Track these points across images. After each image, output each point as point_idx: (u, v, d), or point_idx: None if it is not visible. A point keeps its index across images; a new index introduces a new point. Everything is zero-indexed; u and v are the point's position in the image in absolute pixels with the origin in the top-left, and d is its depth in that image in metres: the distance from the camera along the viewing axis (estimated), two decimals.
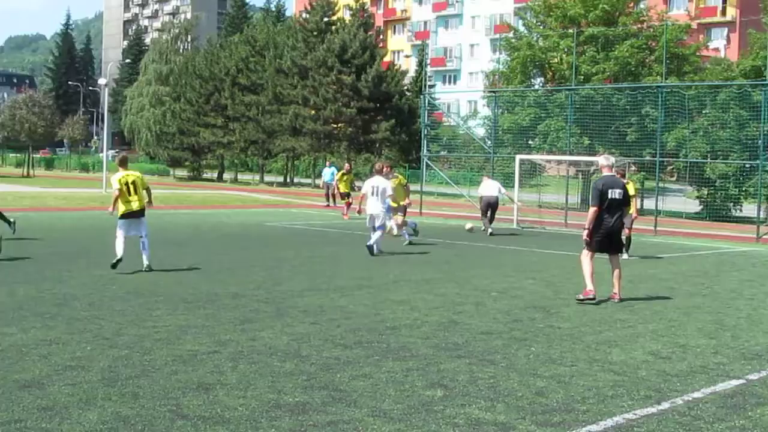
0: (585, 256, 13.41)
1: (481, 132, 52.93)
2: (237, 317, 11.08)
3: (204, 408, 6.98)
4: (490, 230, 25.79)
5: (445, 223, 31.43)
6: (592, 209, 13.22)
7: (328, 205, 39.08)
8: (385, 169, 20.48)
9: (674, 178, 49.00)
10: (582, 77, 45.67)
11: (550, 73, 52.49)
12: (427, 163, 41.24)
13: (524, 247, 22.50)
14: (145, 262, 15.27)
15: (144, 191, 15.66)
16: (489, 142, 43.46)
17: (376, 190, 19.05)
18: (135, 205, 15.39)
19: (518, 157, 34.01)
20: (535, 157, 38.20)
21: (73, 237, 22.02)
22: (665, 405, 7.57)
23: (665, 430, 6.83)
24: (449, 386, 7.93)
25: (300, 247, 21.11)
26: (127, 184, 15.19)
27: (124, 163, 15.95)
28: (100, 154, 76.34)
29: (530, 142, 45.54)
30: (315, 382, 7.92)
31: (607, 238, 13.33)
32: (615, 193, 13.21)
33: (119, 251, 15.07)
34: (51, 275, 14.57)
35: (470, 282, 15.30)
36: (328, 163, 45.15)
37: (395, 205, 21.32)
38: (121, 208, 15.28)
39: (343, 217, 31.80)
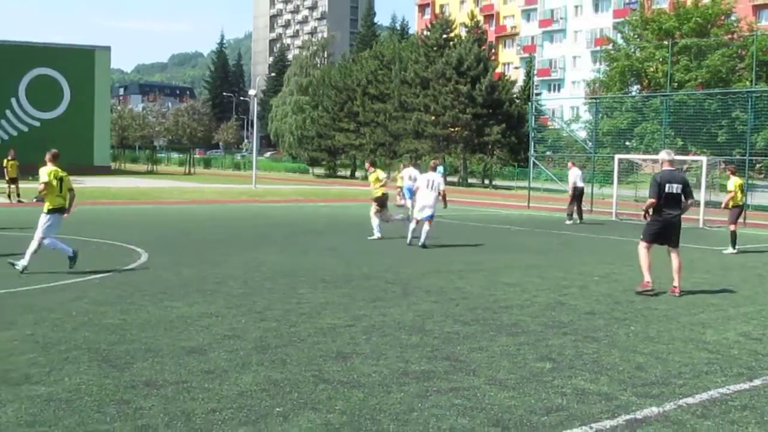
0: (642, 248, 12.28)
1: (582, 134, 51.98)
2: (369, 296, 11.17)
3: (342, 374, 7.06)
4: (578, 221, 25.52)
5: (550, 216, 30.98)
6: (649, 201, 12.19)
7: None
8: (434, 164, 20.12)
9: (763, 175, 47.24)
10: (676, 84, 44.49)
11: (646, 81, 51.31)
12: (534, 162, 40.73)
13: (623, 237, 21.97)
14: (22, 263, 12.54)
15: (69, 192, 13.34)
16: (590, 144, 42.68)
17: (431, 184, 18.41)
18: (64, 203, 13.18)
19: (617, 156, 33.34)
20: (633, 156, 37.32)
21: (227, 225, 22.53)
22: (757, 382, 7.30)
23: (757, 405, 6.59)
24: (557, 360, 7.83)
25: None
26: (59, 179, 13.08)
27: (55, 159, 13.47)
28: (250, 154, 77.98)
29: (627, 143, 44.57)
30: (438, 353, 7.92)
31: (664, 231, 12.10)
32: (673, 188, 11.95)
33: (28, 257, 12.59)
34: (210, 259, 14.93)
35: (574, 268, 15.05)
36: (434, 162, 44.80)
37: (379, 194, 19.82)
38: (54, 202, 12.98)
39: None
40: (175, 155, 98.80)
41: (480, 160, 65.90)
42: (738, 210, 20.05)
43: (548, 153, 49.32)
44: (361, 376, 6.99)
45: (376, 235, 19.19)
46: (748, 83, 40.90)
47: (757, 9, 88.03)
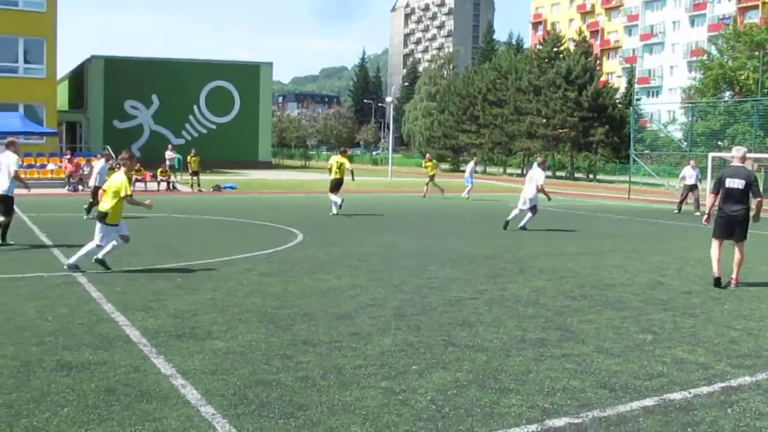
0: (712, 243, 10.83)
1: (678, 135, 49.91)
2: (489, 273, 11.07)
3: (468, 339, 7.03)
4: (697, 212, 24.36)
5: (649, 206, 29.89)
6: (710, 196, 11.07)
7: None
8: (540, 161, 19.17)
9: None
10: (766, 90, 42.09)
11: (738, 87, 48.78)
12: (634, 158, 39.46)
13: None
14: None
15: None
16: (685, 144, 40.97)
17: (532, 178, 18.00)
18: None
19: (710, 155, 31.84)
20: (725, 154, 35.54)
21: (367, 212, 22.74)
22: None
23: None
24: (657, 332, 7.56)
25: (534, 222, 20.76)
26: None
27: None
28: (385, 152, 78.44)
29: (719, 143, 42.44)
30: (551, 324, 7.78)
31: (727, 226, 10.55)
32: (734, 183, 10.41)
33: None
34: (354, 240, 15.14)
35: (671, 252, 14.48)
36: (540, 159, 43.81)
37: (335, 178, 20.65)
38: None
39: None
40: (324, 153, 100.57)
41: (585, 157, 64.32)
42: None
43: (647, 151, 47.65)
44: (484, 342, 6.94)
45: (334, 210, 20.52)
46: None
47: None
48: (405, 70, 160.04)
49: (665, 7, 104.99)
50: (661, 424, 4.95)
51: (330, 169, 21.14)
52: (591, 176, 64.79)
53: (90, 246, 10.24)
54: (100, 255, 10.25)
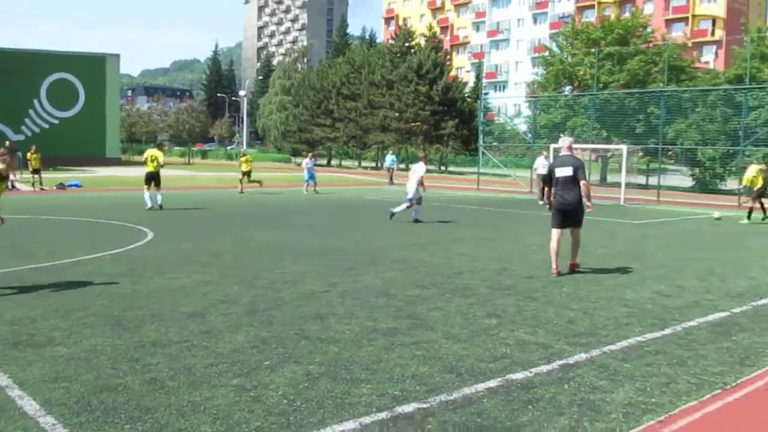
0: (552, 232, 10.90)
1: (523, 127, 52.08)
2: (342, 265, 11.15)
3: (320, 332, 7.05)
4: (541, 201, 25.56)
5: (497, 196, 31.09)
6: (546, 188, 11.35)
7: (389, 183, 38.40)
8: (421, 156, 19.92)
9: (672, 161, 47.70)
10: (601, 85, 44.68)
11: (577, 82, 51.46)
12: (482, 151, 40.90)
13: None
14: None
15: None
16: (529, 135, 42.84)
17: (414, 171, 18.55)
18: None
19: (552, 146, 33.44)
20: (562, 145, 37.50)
21: (221, 208, 22.36)
22: (667, 331, 7.42)
23: (667, 349, 6.70)
24: (502, 316, 7.88)
25: (387, 214, 21.10)
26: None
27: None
28: (239, 146, 77.32)
29: (561, 134, 44.68)
30: (402, 313, 7.94)
31: (563, 215, 10.71)
32: (563, 171, 10.61)
33: None
34: (206, 236, 14.83)
35: (517, 240, 15.14)
36: (390, 151, 44.32)
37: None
38: None
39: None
40: (176, 148, 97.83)
41: (437, 149, 65.96)
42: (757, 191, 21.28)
43: (494, 144, 49.52)
44: (336, 333, 6.99)
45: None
46: (661, 84, 41.16)
47: (669, 22, 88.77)
48: (259, 64, 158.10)
49: (510, 4, 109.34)
50: (503, 403, 5.17)
51: (145, 162, 21.06)
52: (442, 168, 66.57)
53: None
54: None
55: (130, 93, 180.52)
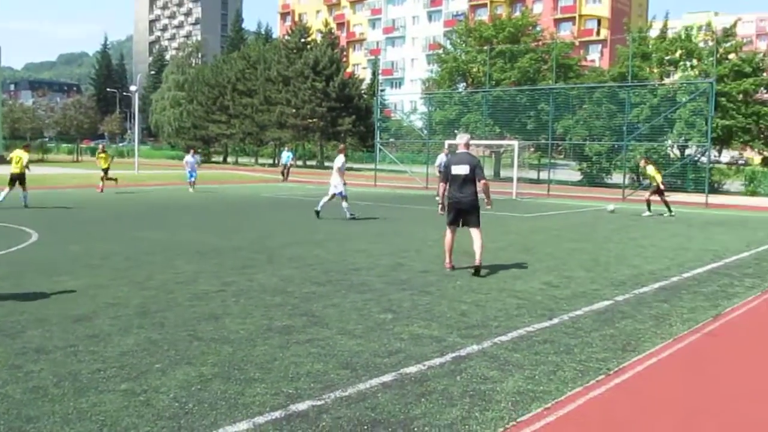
0: (446, 231, 10.83)
1: (419, 124, 52.77)
2: (238, 264, 11.01)
3: (214, 332, 6.94)
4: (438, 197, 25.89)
5: (393, 192, 31.37)
6: (440, 185, 10.87)
7: (284, 180, 38.12)
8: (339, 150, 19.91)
9: (562, 156, 49.41)
10: (494, 82, 45.73)
11: (470, 79, 52.49)
12: (379, 147, 41.18)
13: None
14: None
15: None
16: (425, 132, 43.42)
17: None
18: None
19: (447, 142, 34.00)
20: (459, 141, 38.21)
21: (112, 207, 21.66)
22: (555, 320, 7.67)
23: (555, 339, 6.93)
24: (397, 311, 7.96)
25: (284, 211, 20.98)
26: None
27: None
28: (131, 143, 75.08)
29: (456, 131, 45.47)
30: (297, 310, 7.91)
31: (459, 213, 10.52)
32: (460, 169, 10.37)
33: None
34: (96, 237, 14.33)
35: (412, 235, 15.32)
36: (286, 148, 43.98)
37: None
38: None
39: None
40: (64, 145, 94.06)
41: (334, 146, 65.92)
42: (656, 186, 22.24)
43: (391, 140, 49.94)
44: (230, 333, 6.89)
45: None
46: (550, 81, 42.50)
47: (558, 21, 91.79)
48: (151, 58, 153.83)
49: (406, 2, 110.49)
50: (397, 397, 5.23)
51: (10, 162, 21.05)
52: None
53: None
54: None
55: (12, 87, 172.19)
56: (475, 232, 10.54)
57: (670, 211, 21.77)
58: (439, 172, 26.68)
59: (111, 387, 5.34)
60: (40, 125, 78.92)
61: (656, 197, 22.19)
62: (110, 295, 8.58)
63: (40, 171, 45.94)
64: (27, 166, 20.87)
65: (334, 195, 18.49)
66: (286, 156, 40.11)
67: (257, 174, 49.72)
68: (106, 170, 27.94)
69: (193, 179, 29.54)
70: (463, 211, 10.53)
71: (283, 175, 38.68)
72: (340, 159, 18.64)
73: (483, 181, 10.51)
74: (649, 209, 22.22)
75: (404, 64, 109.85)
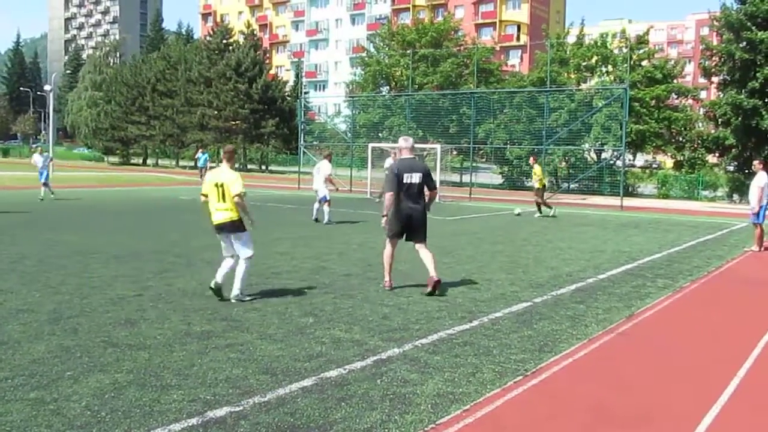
0: (386, 243, 9.57)
1: (343, 127, 52.80)
2: (157, 268, 10.76)
3: (130, 338, 6.76)
4: (377, 199, 25.95)
5: (316, 195, 31.19)
6: (388, 195, 9.25)
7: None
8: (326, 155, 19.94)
9: (484, 159, 50.14)
10: (417, 86, 46.11)
11: (394, 83, 52.83)
12: (303, 150, 40.99)
13: (377, 212, 22.54)
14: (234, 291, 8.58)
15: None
16: (349, 134, 43.45)
17: (319, 170, 18.68)
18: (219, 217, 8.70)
19: (370, 145, 34.17)
20: (383, 145, 38.35)
21: (22, 210, 20.90)
22: (475, 322, 7.76)
23: (475, 340, 7.01)
24: (318, 315, 7.92)
25: (205, 214, 20.60)
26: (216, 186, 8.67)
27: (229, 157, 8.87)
28: (45, 144, 72.78)
29: (380, 134, 45.71)
30: (217, 315, 7.78)
31: (407, 226, 9.32)
32: (412, 177, 9.18)
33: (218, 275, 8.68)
34: (5, 240, 13.78)
35: (336, 238, 15.29)
36: (201, 151, 43.27)
37: None
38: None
39: None
40: None
41: (258, 149, 65.39)
42: (542, 186, 23.04)
43: (315, 143, 49.77)
44: (147, 339, 6.73)
45: None
46: (471, 86, 43.13)
47: (479, 27, 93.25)
48: (67, 57, 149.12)
49: (329, 5, 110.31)
50: (317, 401, 5.19)
51: None
52: (263, 167, 66.07)
53: None
54: None
55: None
56: (423, 248, 9.45)
57: (540, 212, 22.68)
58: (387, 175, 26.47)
59: (19, 396, 5.14)
60: None
61: (536, 197, 22.81)
62: (20, 300, 8.27)
63: None
64: None
65: (321, 198, 18.56)
66: (203, 159, 39.39)
67: (178, 176, 48.82)
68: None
69: (46, 180, 25.11)
70: (413, 225, 9.37)
71: (201, 177, 37.93)
72: (327, 165, 18.76)
73: (435, 191, 9.63)
74: (539, 210, 22.85)
75: (328, 66, 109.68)
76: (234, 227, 8.60)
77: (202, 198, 8.87)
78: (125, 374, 5.67)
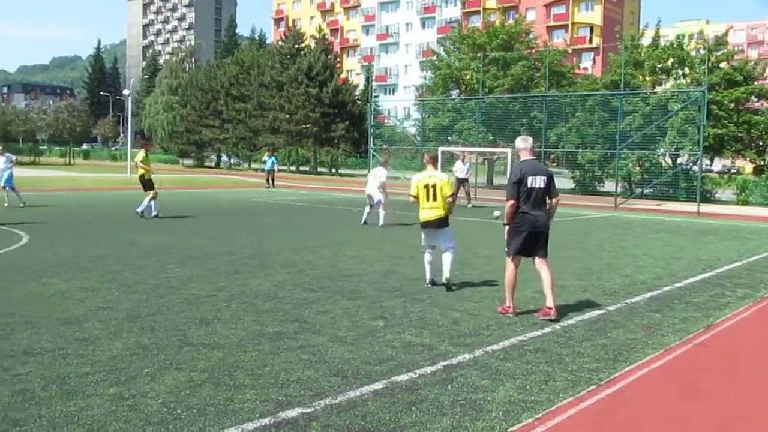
0: (507, 262, 8.39)
1: (412, 130, 52.82)
2: (230, 269, 10.96)
3: (205, 337, 6.90)
4: (470, 205, 25.92)
5: (386, 198, 31.27)
6: (509, 203, 8.17)
7: (268, 186, 37.82)
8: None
9: (555, 164, 49.43)
10: (487, 89, 45.78)
11: (464, 86, 52.56)
12: (372, 153, 41.16)
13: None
14: (445, 275, 9.64)
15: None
16: (419, 138, 43.47)
17: (375, 176, 18.81)
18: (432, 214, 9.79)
19: (440, 149, 34.06)
20: (453, 148, 38.22)
21: (103, 210, 21.59)
22: (547, 329, 7.65)
23: (547, 347, 6.90)
24: (388, 318, 7.93)
25: (278, 216, 20.95)
26: (426, 187, 9.77)
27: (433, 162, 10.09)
28: (124, 147, 74.87)
29: (449, 137, 45.56)
30: (289, 316, 7.87)
31: (534, 239, 8.23)
32: (537, 181, 8.09)
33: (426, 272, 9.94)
34: (87, 240, 14.26)
35: (405, 241, 15.26)
36: (267, 154, 43.72)
37: None
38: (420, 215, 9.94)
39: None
40: (56, 148, 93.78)
41: (328, 152, 65.96)
42: None
43: (384, 146, 49.94)
44: (221, 339, 6.85)
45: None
46: (543, 89, 42.59)
47: (551, 29, 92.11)
48: (145, 62, 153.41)
49: (399, 8, 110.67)
50: (388, 405, 5.19)
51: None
52: (333, 170, 66.63)
53: None
54: None
55: (5, 90, 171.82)
56: (544, 265, 8.35)
57: None
58: (458, 179, 26.21)
59: (99, 391, 5.29)
60: (33, 128, 78.71)
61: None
62: (100, 298, 8.53)
63: (32, 173, 45.80)
64: (139, 165, 19.19)
65: (376, 203, 18.70)
66: (269, 162, 39.83)
67: (250, 179, 49.63)
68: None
69: (9, 187, 22.26)
70: (539, 237, 8.29)
71: (268, 181, 38.40)
72: (383, 171, 18.88)
73: (557, 199, 8.49)
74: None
75: (398, 70, 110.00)
76: (442, 223, 9.80)
77: (412, 199, 9.94)
78: (200, 373, 5.78)
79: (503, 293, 8.54)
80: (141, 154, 19.72)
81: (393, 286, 9.87)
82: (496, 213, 22.77)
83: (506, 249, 8.42)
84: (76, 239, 14.26)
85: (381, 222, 18.42)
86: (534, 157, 8.39)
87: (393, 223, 18.42)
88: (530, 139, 8.50)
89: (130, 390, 5.33)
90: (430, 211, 9.73)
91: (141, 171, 19.27)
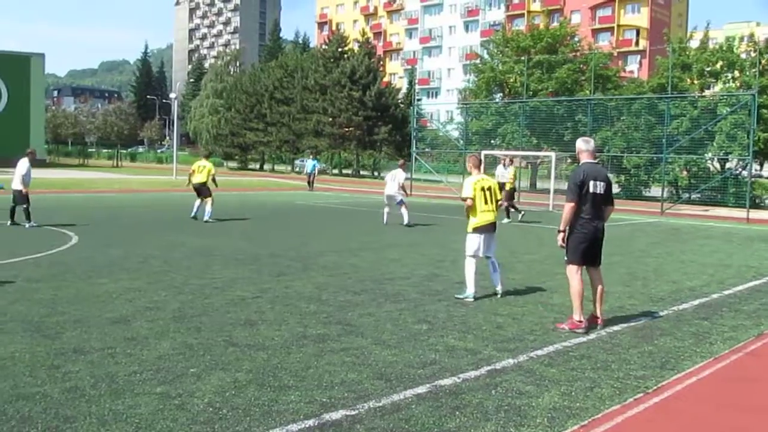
0: (572, 273, 7.88)
1: (455, 134, 52.66)
2: (274, 271, 11.05)
3: (249, 338, 6.96)
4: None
5: (429, 202, 31.30)
6: (568, 206, 7.72)
7: (310, 189, 37.87)
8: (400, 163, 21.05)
9: None
10: (531, 92, 45.48)
11: (507, 90, 52.29)
12: (415, 157, 41.16)
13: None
14: (498, 288, 9.54)
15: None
16: (461, 141, 43.32)
17: (394, 177, 19.44)
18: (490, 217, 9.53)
19: (483, 152, 33.88)
20: (496, 152, 38.03)
21: (150, 212, 21.91)
22: (592, 336, 7.56)
23: (592, 354, 6.82)
24: (432, 322, 7.92)
25: (320, 219, 21.06)
26: (483, 189, 9.53)
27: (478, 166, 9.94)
28: (170, 150, 76.03)
29: (492, 141, 45.31)
30: (332, 319, 7.90)
31: (591, 245, 7.81)
32: (598, 186, 7.69)
33: (470, 284, 9.37)
34: (134, 241, 14.49)
35: (447, 245, 15.23)
36: (311, 157, 43.68)
37: None
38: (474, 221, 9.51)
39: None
40: (104, 150, 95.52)
41: (370, 155, 66.11)
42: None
43: (427, 149, 49.92)
44: (265, 340, 6.91)
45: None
46: (588, 92, 42.18)
47: (596, 32, 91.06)
48: (190, 66, 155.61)
49: (442, 12, 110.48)
50: (432, 409, 5.18)
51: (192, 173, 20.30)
52: (376, 173, 66.73)
53: None
54: None
55: (56, 94, 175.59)
56: (598, 275, 8.03)
57: (508, 216, 21.84)
58: (499, 183, 25.67)
59: (147, 390, 5.38)
60: (82, 131, 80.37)
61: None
62: (147, 298, 8.66)
63: (81, 175, 46.77)
64: (213, 179, 19.02)
65: (397, 203, 19.26)
66: (310, 165, 40.01)
67: (293, 181, 49.99)
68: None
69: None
70: (597, 245, 7.92)
71: (309, 184, 38.53)
72: (402, 173, 19.59)
73: (613, 206, 8.15)
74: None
75: (441, 73, 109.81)
76: (495, 227, 9.61)
77: (469, 202, 9.43)
78: (245, 373, 5.84)
79: (572, 306, 7.85)
80: (210, 164, 19.64)
81: (436, 290, 9.86)
82: (505, 221, 22.13)
83: (565, 257, 7.97)
84: (124, 240, 14.50)
85: (406, 220, 18.76)
86: (596, 161, 8.03)
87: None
88: (592, 141, 8.13)
89: (176, 389, 5.41)
90: (489, 214, 9.41)
91: (205, 179, 19.09)
